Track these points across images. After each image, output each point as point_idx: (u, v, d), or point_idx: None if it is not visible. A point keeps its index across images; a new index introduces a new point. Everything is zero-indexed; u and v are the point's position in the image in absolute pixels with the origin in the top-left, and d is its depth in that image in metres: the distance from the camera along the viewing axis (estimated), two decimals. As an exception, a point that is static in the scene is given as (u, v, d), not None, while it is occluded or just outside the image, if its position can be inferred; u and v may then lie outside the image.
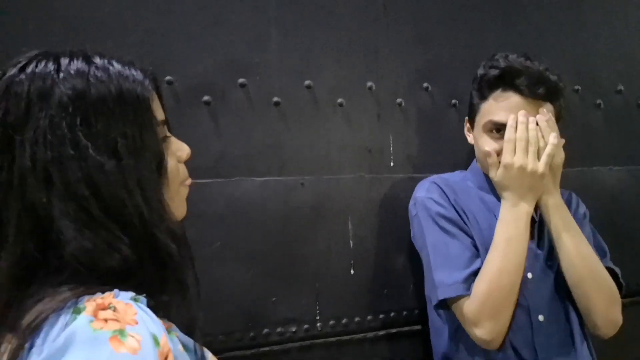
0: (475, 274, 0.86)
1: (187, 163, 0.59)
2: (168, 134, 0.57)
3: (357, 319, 1.03)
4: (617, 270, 0.93)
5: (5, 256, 0.45)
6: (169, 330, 0.47)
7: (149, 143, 0.50)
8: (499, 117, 0.90)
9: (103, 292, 0.44)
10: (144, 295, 0.46)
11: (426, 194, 0.96)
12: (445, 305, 0.89)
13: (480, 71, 0.95)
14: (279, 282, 0.98)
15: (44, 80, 0.46)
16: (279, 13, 1.00)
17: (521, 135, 0.86)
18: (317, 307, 1.00)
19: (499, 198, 0.91)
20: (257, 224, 0.97)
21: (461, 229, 0.91)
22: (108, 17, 0.89)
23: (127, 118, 0.49)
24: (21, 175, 0.45)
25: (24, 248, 0.45)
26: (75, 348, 0.38)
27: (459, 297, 0.85)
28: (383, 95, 1.08)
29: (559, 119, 0.94)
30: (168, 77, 0.91)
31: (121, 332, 0.40)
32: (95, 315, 0.41)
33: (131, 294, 0.45)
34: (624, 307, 0.92)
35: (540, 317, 0.88)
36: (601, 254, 0.94)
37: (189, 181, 0.60)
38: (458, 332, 0.91)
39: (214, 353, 0.56)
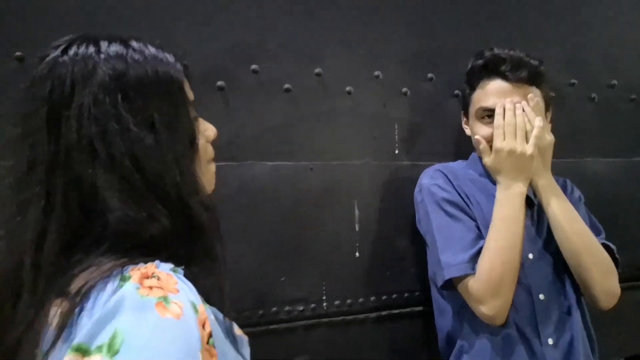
0: (479, 253, 0.89)
1: None
2: (196, 114, 0.59)
3: (360, 299, 1.07)
4: (613, 246, 0.97)
5: (53, 225, 0.47)
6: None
7: (183, 121, 0.53)
8: (487, 103, 0.95)
9: (145, 262, 0.46)
10: (182, 267, 0.49)
11: (431, 180, 1.00)
12: (450, 285, 0.92)
13: (469, 66, 1.01)
14: (287, 263, 1.01)
15: (85, 62, 0.49)
16: (289, 2, 1.02)
17: (509, 120, 0.90)
18: (324, 288, 1.03)
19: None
20: (267, 207, 0.99)
21: (465, 213, 0.95)
22: (120, 3, 0.90)
23: (163, 97, 0.52)
24: (67, 149, 0.47)
25: (69, 217, 0.47)
26: (125, 311, 0.40)
27: (464, 276, 0.89)
28: (389, 84, 1.11)
29: (548, 105, 0.98)
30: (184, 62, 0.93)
31: (165, 299, 0.42)
32: (141, 283, 0.43)
33: (170, 265, 0.47)
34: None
35: (541, 296, 0.92)
36: (596, 232, 0.97)
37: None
38: (461, 311, 0.95)
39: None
